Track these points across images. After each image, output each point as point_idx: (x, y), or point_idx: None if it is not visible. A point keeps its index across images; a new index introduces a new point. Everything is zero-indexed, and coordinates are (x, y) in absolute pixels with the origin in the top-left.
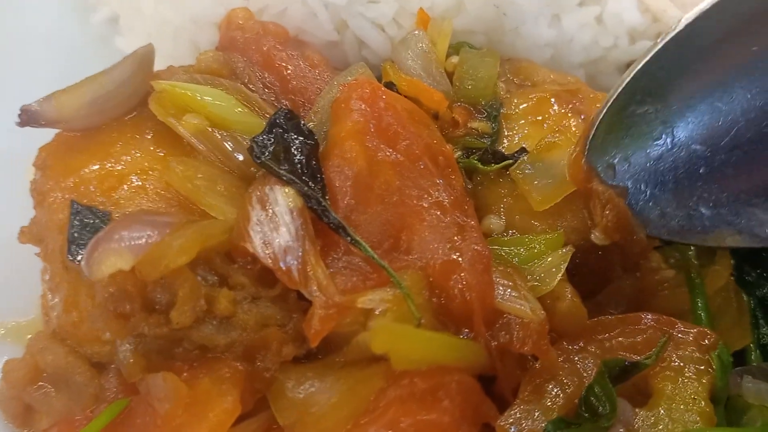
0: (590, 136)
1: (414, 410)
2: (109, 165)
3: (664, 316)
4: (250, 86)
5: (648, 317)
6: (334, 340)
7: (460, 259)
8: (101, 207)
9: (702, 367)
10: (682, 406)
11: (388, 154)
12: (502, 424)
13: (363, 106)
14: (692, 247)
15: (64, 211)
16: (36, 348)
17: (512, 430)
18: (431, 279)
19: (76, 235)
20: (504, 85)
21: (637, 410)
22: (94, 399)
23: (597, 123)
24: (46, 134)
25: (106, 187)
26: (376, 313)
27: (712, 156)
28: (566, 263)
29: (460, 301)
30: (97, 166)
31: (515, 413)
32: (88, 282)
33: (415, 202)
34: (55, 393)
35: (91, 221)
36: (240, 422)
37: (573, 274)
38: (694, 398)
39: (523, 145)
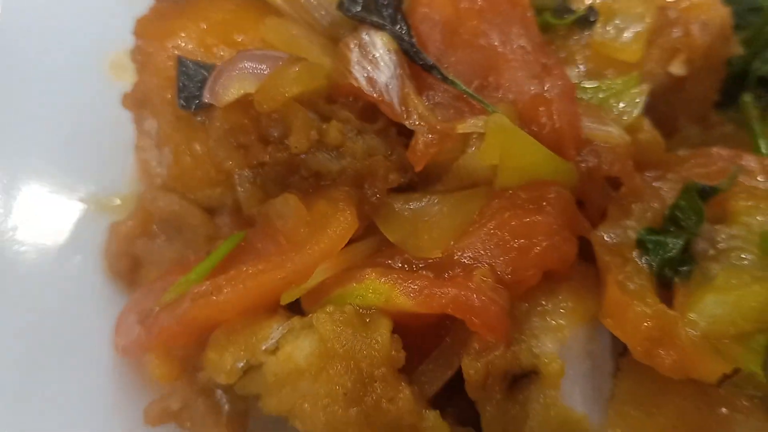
0: None
1: (520, 214)
2: (206, 26)
3: (733, 149)
4: None
5: (718, 150)
6: (432, 170)
7: (547, 92)
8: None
9: None
10: (759, 217)
11: (472, 1)
12: (598, 234)
13: None
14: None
15: (171, 69)
16: (147, 199)
17: (606, 237)
18: (521, 112)
19: (185, 84)
20: None
21: (716, 227)
22: (207, 241)
23: None
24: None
25: (207, 45)
26: (471, 148)
27: None
28: (645, 96)
29: (550, 130)
30: (196, 29)
31: (607, 226)
32: (200, 127)
33: (500, 44)
34: (166, 242)
35: (198, 72)
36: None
37: None
38: None
39: (590, 3)
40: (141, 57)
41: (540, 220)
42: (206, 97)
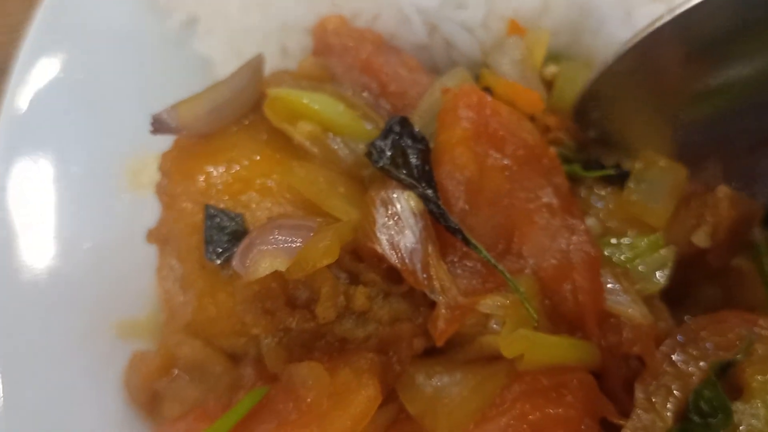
0: None
1: (541, 404)
2: (234, 170)
3: (746, 314)
4: (349, 91)
5: (732, 316)
6: (455, 338)
7: (571, 262)
8: (232, 209)
9: None
10: None
11: (496, 159)
12: None
13: (470, 114)
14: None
15: (198, 214)
16: (172, 342)
17: None
18: (544, 282)
19: (214, 237)
20: None
21: (734, 404)
22: (229, 388)
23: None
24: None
25: (234, 191)
26: (493, 321)
27: None
28: (673, 261)
29: (572, 304)
30: (222, 171)
31: (636, 423)
32: (226, 280)
33: (525, 204)
34: (189, 383)
35: (226, 224)
36: None
37: None
38: None
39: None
40: (166, 197)
41: (561, 413)
42: (236, 267)
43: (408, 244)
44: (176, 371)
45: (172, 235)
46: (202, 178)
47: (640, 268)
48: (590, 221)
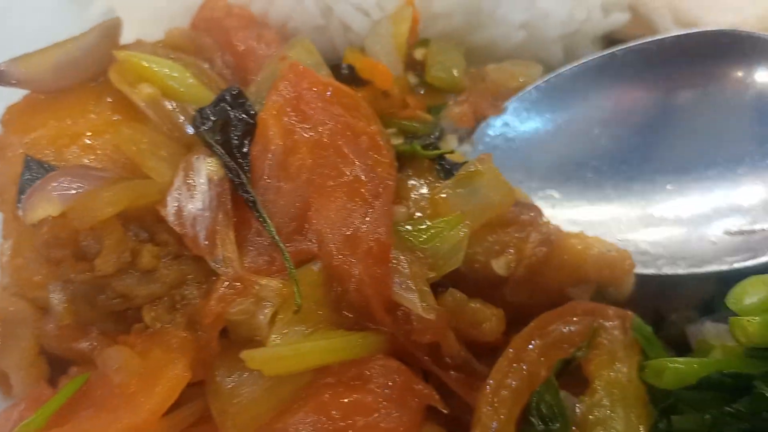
0: None
1: (340, 393)
2: (65, 125)
3: (594, 303)
4: (210, 64)
5: (579, 306)
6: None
7: (359, 248)
8: (53, 162)
9: (630, 348)
10: (615, 391)
11: (305, 134)
12: None
13: (286, 86)
14: None
15: (21, 165)
16: None
17: None
18: (332, 269)
19: (24, 185)
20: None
21: (579, 399)
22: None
23: None
24: None
25: (58, 145)
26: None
27: None
28: (467, 237)
29: (356, 294)
30: (56, 126)
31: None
32: (30, 229)
33: (324, 181)
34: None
35: (39, 175)
36: (174, 409)
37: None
38: (628, 380)
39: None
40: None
41: (358, 399)
42: (19, 212)
43: (193, 209)
44: None
45: (1, 185)
46: (34, 132)
47: (437, 247)
48: (400, 209)
